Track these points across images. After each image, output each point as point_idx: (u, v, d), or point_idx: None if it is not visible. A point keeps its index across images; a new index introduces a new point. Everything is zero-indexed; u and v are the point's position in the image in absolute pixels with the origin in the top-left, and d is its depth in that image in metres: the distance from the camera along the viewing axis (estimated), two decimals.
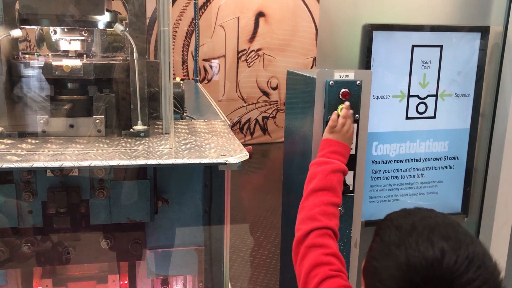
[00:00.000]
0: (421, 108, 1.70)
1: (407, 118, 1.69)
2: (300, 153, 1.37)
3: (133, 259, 1.66)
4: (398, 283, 0.82)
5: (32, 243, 1.54)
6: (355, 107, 1.23)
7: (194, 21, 4.21)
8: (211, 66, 6.56)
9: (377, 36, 1.54)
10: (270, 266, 3.33)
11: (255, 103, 6.88)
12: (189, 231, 1.75)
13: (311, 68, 6.91)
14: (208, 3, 6.24)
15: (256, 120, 6.92)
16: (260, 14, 6.49)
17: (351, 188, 1.27)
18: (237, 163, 1.40)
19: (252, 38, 6.56)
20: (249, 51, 6.59)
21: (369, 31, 1.55)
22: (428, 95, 1.72)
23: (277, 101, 6.97)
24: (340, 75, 1.19)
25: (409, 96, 1.66)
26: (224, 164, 1.40)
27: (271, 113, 6.99)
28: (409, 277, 0.81)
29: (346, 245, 1.28)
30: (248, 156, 1.44)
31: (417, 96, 1.69)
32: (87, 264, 1.73)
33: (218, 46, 6.46)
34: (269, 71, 6.78)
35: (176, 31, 6.16)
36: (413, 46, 1.62)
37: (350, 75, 1.20)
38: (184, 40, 6.30)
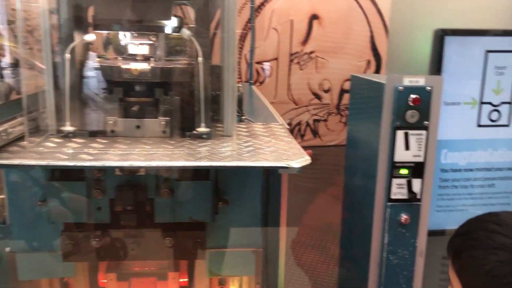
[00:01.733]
0: (494, 115, 1.63)
1: (478, 125, 1.63)
2: (364, 158, 1.36)
3: (194, 258, 1.70)
4: None
5: (100, 238, 1.61)
6: (425, 113, 1.20)
7: (249, 24, 4.25)
8: (263, 69, 6.60)
9: (449, 41, 1.50)
10: (326, 272, 3.31)
11: (306, 106, 6.85)
12: (247, 232, 1.78)
13: (365, 71, 6.81)
14: (262, 7, 6.28)
15: (307, 122, 6.88)
16: (314, 17, 6.46)
17: (418, 196, 1.24)
18: (298, 167, 1.41)
19: (305, 41, 6.54)
20: (301, 54, 6.57)
21: (441, 36, 1.51)
22: (502, 103, 1.65)
23: (329, 104, 6.90)
24: (410, 81, 1.17)
25: (481, 103, 1.60)
26: (286, 168, 1.41)
27: (323, 116, 6.93)
28: None
29: (411, 255, 1.25)
30: (309, 161, 1.44)
31: (490, 103, 1.63)
32: (149, 260, 1.79)
33: (271, 49, 6.48)
34: (322, 74, 6.73)
35: None
36: (487, 51, 1.56)
37: (420, 81, 1.17)
38: (238, 43, 6.37)
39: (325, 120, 7.01)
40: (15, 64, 2.27)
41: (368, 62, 6.79)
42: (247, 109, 2.37)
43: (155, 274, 1.83)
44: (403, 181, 1.24)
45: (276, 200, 1.75)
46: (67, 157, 1.38)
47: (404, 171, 1.24)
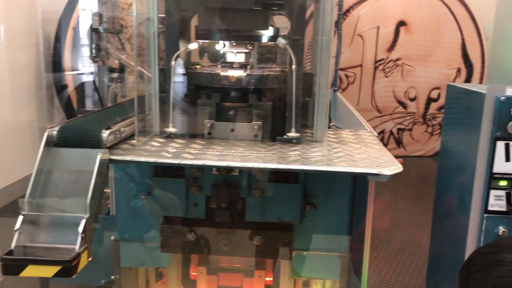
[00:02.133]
0: None
1: None
2: (460, 168, 1.34)
3: (282, 258, 1.76)
4: None
5: (195, 233, 1.73)
6: None
7: (337, 32, 4.28)
8: (346, 76, 6.55)
9: None
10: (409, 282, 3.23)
11: (391, 114, 6.69)
12: (334, 237, 1.81)
13: (455, 79, 6.52)
14: (347, 13, 6.25)
15: (391, 131, 6.72)
16: (401, 23, 6.32)
17: None
18: (390, 175, 1.42)
19: (391, 48, 6.41)
20: (387, 61, 6.45)
21: None
22: None
23: (415, 112, 6.69)
24: None
25: None
26: (377, 175, 1.42)
27: (407, 125, 6.73)
28: None
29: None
30: (401, 169, 1.45)
31: None
32: (238, 257, 1.88)
33: (355, 56, 6.43)
34: (408, 82, 6.55)
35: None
36: None
37: None
38: None
39: (410, 130, 6.81)
40: (120, 70, 2.50)
41: (458, 70, 6.51)
42: (333, 116, 2.40)
43: (242, 270, 1.91)
44: (502, 193, 1.20)
45: (363, 207, 1.76)
46: (171, 155, 1.50)
47: (503, 183, 1.20)
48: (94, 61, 2.29)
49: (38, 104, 4.69)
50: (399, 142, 6.71)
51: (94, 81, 2.27)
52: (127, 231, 1.86)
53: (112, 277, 1.90)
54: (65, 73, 5.25)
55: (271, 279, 1.92)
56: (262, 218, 1.69)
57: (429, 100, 6.61)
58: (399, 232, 4.19)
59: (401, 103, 6.62)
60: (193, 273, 1.94)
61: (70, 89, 5.36)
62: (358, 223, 1.79)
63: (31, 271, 1.24)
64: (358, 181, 1.76)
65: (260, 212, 1.68)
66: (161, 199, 1.72)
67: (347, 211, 1.77)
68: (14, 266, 1.24)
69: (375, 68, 6.47)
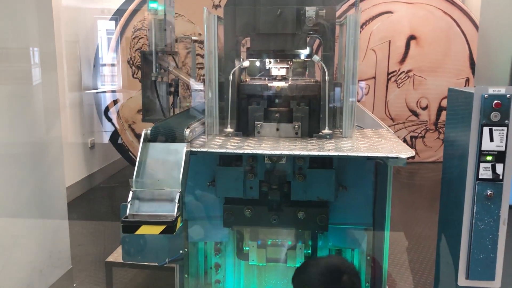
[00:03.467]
0: None
1: None
2: (458, 150, 1.75)
3: (319, 230, 2.19)
4: None
5: (251, 210, 2.17)
6: (506, 114, 1.59)
7: None
8: (360, 87, 7.00)
9: None
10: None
11: (404, 123, 7.10)
12: (360, 213, 2.23)
13: None
14: (361, 29, 6.71)
15: (404, 139, 7.12)
16: (411, 37, 6.76)
17: (500, 177, 1.62)
18: (405, 157, 1.85)
19: (402, 60, 6.85)
20: (399, 73, 6.88)
21: None
22: None
23: (427, 120, 7.10)
24: (493, 90, 1.56)
25: None
26: (396, 158, 1.86)
27: (420, 133, 7.13)
28: None
29: (495, 222, 1.62)
30: (413, 154, 1.88)
31: None
32: (282, 233, 2.31)
33: (368, 68, 6.89)
34: (419, 92, 6.97)
35: None
36: None
37: (502, 90, 1.56)
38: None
39: (423, 137, 7.22)
40: (176, 85, 2.98)
41: (467, 80, 6.92)
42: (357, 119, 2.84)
43: (286, 245, 2.34)
44: (488, 165, 1.61)
45: (384, 190, 2.20)
46: (235, 147, 1.95)
47: (489, 157, 1.61)
48: (155, 78, 2.76)
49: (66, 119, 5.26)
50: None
51: (157, 93, 2.75)
52: (195, 211, 2.31)
53: (181, 251, 2.35)
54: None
55: (310, 251, 2.35)
56: (304, 197, 2.12)
57: (440, 109, 7.02)
58: (413, 224, 4.58)
59: (414, 112, 7.04)
60: (246, 248, 2.38)
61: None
62: (380, 203, 2.23)
63: (144, 230, 1.69)
64: (380, 169, 2.19)
65: (302, 192, 2.12)
66: (224, 184, 2.17)
67: (371, 193, 2.20)
68: (131, 226, 1.69)
69: (388, 79, 6.91)
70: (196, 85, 2.84)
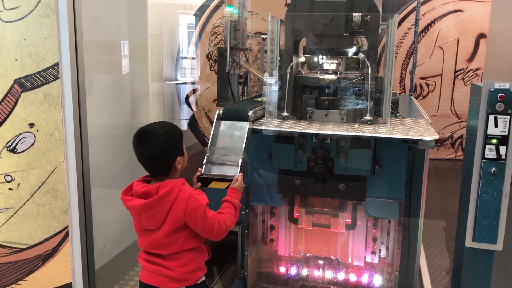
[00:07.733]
0: None
1: None
2: (474, 135, 2.08)
3: (358, 200, 2.59)
4: None
5: (300, 180, 2.63)
6: (509, 105, 1.90)
7: (413, 45, 5.00)
8: (427, 84, 7.13)
9: None
10: None
11: None
12: (394, 188, 2.61)
13: None
14: (429, 27, 6.86)
15: None
16: (481, 36, 6.79)
17: (503, 157, 1.94)
18: (429, 140, 2.21)
19: (471, 58, 6.89)
20: (466, 71, 6.93)
21: None
22: None
23: None
24: (498, 85, 1.89)
25: None
26: (420, 140, 2.22)
27: None
28: None
29: (498, 195, 1.94)
30: (437, 137, 2.23)
31: None
32: (327, 202, 2.75)
33: (435, 66, 7.01)
34: None
35: (397, 52, 6.97)
36: None
37: (506, 85, 1.88)
38: (404, 60, 7.08)
39: None
40: (246, 77, 3.50)
41: None
42: (404, 111, 3.18)
43: (330, 212, 2.77)
44: (493, 147, 1.93)
45: (419, 171, 2.55)
46: (288, 127, 2.42)
47: (494, 141, 1.93)
48: (228, 70, 3.30)
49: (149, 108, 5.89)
50: None
51: (229, 83, 3.28)
52: (255, 180, 2.81)
53: (243, 212, 2.86)
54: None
55: (349, 220, 2.76)
56: (345, 172, 2.54)
57: None
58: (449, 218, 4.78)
59: None
60: (296, 214, 2.84)
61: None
62: (417, 181, 2.58)
63: (214, 185, 2.21)
64: (417, 152, 2.55)
65: (343, 168, 2.54)
66: (278, 158, 2.64)
67: (404, 172, 2.57)
68: (205, 180, 2.22)
69: (455, 77, 6.99)
70: (262, 77, 3.33)
